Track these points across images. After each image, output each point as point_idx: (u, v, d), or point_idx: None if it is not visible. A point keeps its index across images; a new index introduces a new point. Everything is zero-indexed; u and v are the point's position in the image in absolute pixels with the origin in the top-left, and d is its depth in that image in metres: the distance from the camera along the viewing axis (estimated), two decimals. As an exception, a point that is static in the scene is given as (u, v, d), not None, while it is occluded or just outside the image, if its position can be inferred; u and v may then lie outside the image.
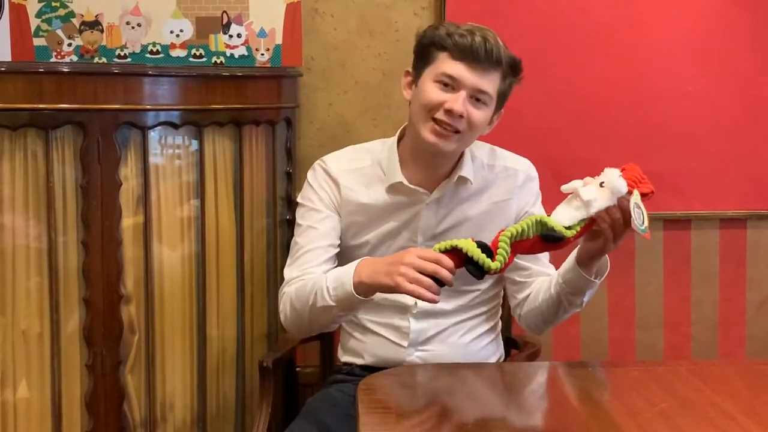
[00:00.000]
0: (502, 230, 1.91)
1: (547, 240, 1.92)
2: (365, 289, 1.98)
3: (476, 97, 2.09)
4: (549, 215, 1.95)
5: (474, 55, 2.07)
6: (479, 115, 2.10)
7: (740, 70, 2.88)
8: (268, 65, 2.70)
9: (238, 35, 2.69)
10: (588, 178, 1.94)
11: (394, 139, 2.24)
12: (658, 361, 2.88)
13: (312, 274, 2.14)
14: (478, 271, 1.88)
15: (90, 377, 2.32)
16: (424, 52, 2.13)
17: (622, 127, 2.87)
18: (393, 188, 2.20)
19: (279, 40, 2.70)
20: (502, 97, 2.16)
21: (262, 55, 2.70)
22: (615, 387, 1.92)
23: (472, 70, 2.08)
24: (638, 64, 2.86)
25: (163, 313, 2.40)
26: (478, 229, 2.20)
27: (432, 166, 2.19)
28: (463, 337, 2.25)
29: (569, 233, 1.92)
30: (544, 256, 2.23)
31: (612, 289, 2.93)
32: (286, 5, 2.70)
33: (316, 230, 2.21)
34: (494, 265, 1.86)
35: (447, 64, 2.08)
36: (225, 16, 2.68)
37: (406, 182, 2.18)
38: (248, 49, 2.69)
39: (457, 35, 2.08)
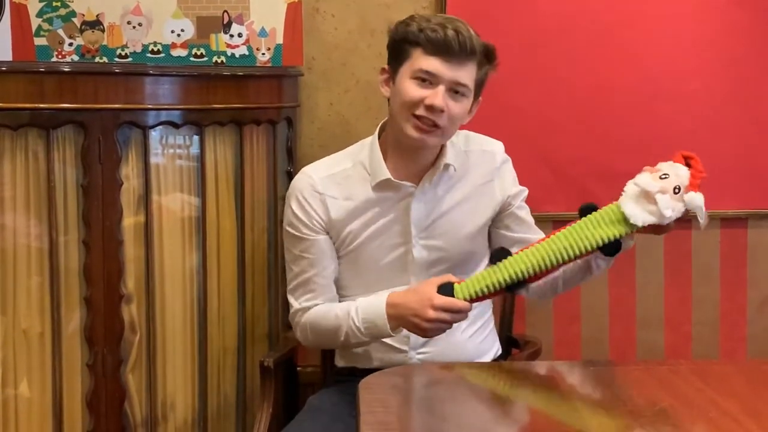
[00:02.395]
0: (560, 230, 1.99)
1: (610, 252, 1.99)
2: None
3: (454, 89, 2.11)
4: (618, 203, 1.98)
5: (448, 49, 2.07)
6: (458, 107, 2.12)
7: (741, 69, 2.87)
8: (269, 65, 2.70)
9: (239, 35, 2.69)
10: (659, 181, 1.95)
11: (374, 136, 2.25)
12: (659, 360, 2.88)
13: (318, 302, 2.22)
14: (518, 288, 2.03)
15: (91, 377, 2.32)
16: (398, 48, 2.14)
17: (623, 126, 2.87)
18: (380, 185, 2.20)
19: (280, 40, 2.70)
20: (480, 85, 2.17)
21: (263, 54, 2.70)
22: (616, 386, 1.91)
23: (447, 63, 2.08)
24: (639, 63, 2.85)
25: (164, 313, 2.40)
26: (465, 214, 2.24)
27: (416, 158, 2.20)
28: (462, 334, 2.25)
29: (631, 242, 2.00)
30: (531, 222, 2.31)
31: (613, 289, 2.93)
32: (286, 5, 2.70)
33: (308, 259, 2.23)
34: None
35: (422, 60, 2.09)
36: (226, 15, 2.68)
37: (392, 178, 2.19)
38: (249, 48, 2.69)
39: (429, 30, 2.08)
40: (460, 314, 2.03)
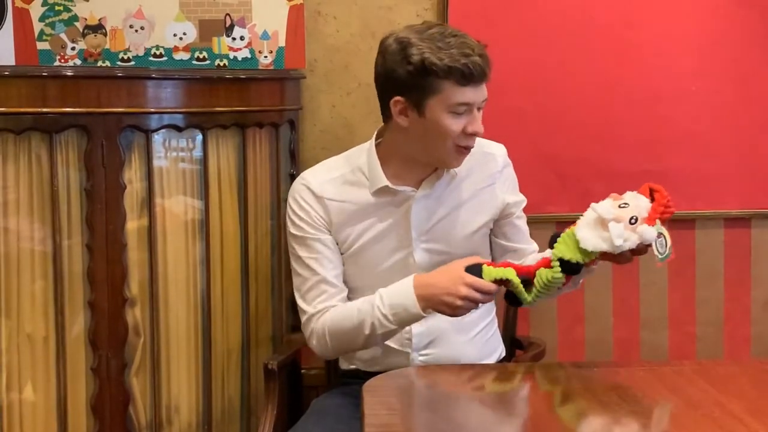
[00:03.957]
0: (545, 261, 1.99)
1: (566, 270, 1.97)
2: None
3: (479, 107, 2.12)
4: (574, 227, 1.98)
5: (478, 76, 2.08)
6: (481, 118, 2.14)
7: (744, 69, 2.87)
8: (272, 67, 2.70)
9: (241, 38, 2.69)
10: (616, 209, 1.94)
11: (371, 142, 2.24)
12: (663, 361, 2.87)
13: (332, 303, 2.18)
14: (514, 302, 2.05)
15: (95, 380, 2.32)
16: (420, 81, 2.07)
17: (625, 127, 2.87)
18: (379, 192, 2.20)
19: (282, 43, 2.70)
20: None
21: (266, 57, 2.70)
22: (620, 387, 1.91)
23: (477, 88, 2.09)
24: (641, 63, 2.85)
25: (168, 316, 2.40)
26: (466, 216, 2.24)
27: (419, 165, 2.20)
28: (464, 336, 2.25)
29: (586, 260, 1.97)
30: (526, 232, 2.33)
31: (617, 290, 2.92)
32: (289, 7, 2.70)
33: (316, 259, 2.21)
34: (529, 299, 2.01)
35: (457, 93, 2.07)
36: (228, 18, 2.69)
37: (391, 185, 2.19)
38: (251, 51, 2.70)
39: (459, 63, 2.05)
40: (489, 295, 2.04)
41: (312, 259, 2.21)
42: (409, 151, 2.18)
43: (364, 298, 2.16)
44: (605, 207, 1.95)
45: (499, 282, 2.03)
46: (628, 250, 1.93)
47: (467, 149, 2.14)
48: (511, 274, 2.01)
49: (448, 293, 2.03)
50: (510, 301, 2.08)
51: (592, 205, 1.97)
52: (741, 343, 2.96)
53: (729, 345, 2.96)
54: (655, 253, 1.93)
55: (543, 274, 1.98)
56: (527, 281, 2.02)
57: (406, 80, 2.08)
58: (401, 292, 2.09)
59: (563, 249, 1.96)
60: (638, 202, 1.95)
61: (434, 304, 2.07)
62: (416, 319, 2.11)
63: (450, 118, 2.09)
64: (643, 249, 1.94)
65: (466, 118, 2.10)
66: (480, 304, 2.06)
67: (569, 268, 1.96)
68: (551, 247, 2.00)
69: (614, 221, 1.92)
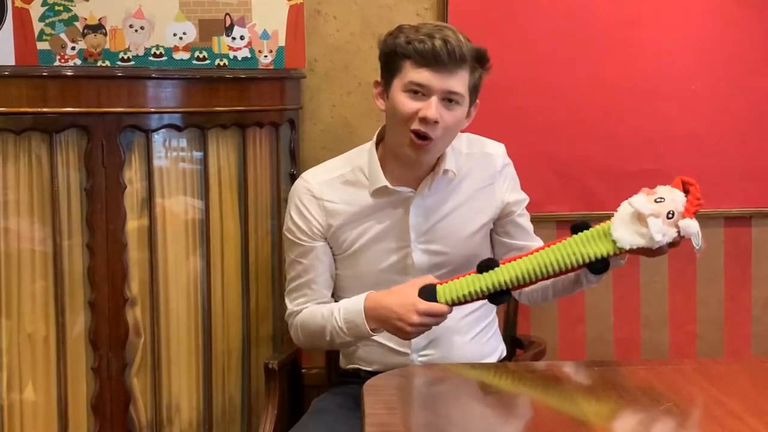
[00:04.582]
0: (541, 248, 2.01)
1: (597, 270, 1.99)
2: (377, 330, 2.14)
3: (448, 98, 2.10)
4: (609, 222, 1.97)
5: (437, 59, 2.06)
6: (452, 116, 2.11)
7: (744, 67, 2.87)
8: (271, 67, 2.70)
9: (241, 37, 2.69)
10: (653, 204, 1.93)
11: (372, 142, 2.24)
12: (663, 360, 2.87)
13: (308, 306, 2.24)
14: (501, 297, 2.04)
15: (96, 380, 2.32)
16: (388, 61, 2.14)
17: (625, 126, 2.87)
18: (378, 192, 2.20)
19: (282, 42, 2.70)
20: (475, 89, 2.16)
21: (265, 57, 2.70)
22: (620, 387, 1.91)
23: (438, 74, 2.07)
24: (641, 62, 2.85)
25: (169, 316, 2.40)
26: (466, 217, 2.23)
27: (415, 165, 2.20)
28: (464, 336, 2.25)
29: (622, 261, 1.99)
30: (530, 229, 2.32)
31: (617, 289, 2.92)
32: (288, 7, 2.70)
33: (304, 265, 2.24)
34: (507, 279, 2.00)
35: (412, 73, 2.08)
36: (228, 18, 2.69)
37: (390, 186, 2.19)
38: (251, 51, 2.70)
39: (416, 42, 2.07)
40: (442, 318, 2.04)
41: (300, 263, 2.25)
42: (388, 142, 2.19)
43: (331, 304, 2.21)
44: (642, 202, 1.94)
45: (457, 303, 2.02)
46: (666, 243, 1.93)
47: (422, 138, 2.10)
48: (467, 287, 2.00)
49: (399, 319, 2.04)
50: (493, 300, 2.06)
51: (629, 200, 1.96)
52: (741, 341, 2.96)
53: (729, 344, 2.96)
54: (695, 245, 1.93)
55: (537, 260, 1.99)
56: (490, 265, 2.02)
57: (381, 62, 2.17)
58: (354, 309, 2.12)
59: (597, 246, 1.95)
60: (674, 196, 1.95)
61: (385, 326, 2.09)
62: (367, 336, 2.13)
63: (404, 97, 2.10)
64: (677, 242, 1.95)
65: (422, 102, 2.08)
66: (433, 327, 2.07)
67: (601, 267, 1.96)
68: (575, 234, 1.99)
69: (653, 216, 1.92)
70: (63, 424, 2.32)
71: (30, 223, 2.29)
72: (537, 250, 2.03)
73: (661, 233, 1.92)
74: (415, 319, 2.02)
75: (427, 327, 2.05)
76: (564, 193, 2.87)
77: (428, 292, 2.03)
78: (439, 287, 2.04)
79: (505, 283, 2.00)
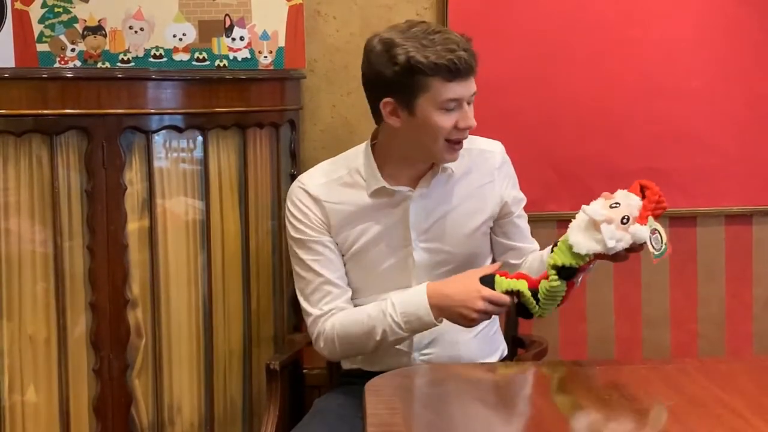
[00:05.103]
0: (546, 273, 2.01)
1: (562, 275, 1.99)
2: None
3: (469, 101, 2.12)
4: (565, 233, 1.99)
5: (465, 71, 2.07)
6: (473, 112, 2.14)
7: (744, 65, 2.87)
8: (271, 68, 2.70)
9: (241, 38, 2.69)
10: (607, 209, 1.94)
11: (367, 143, 2.24)
12: (665, 359, 2.87)
13: (338, 305, 2.19)
14: (525, 314, 2.06)
15: (97, 382, 2.32)
16: (406, 80, 2.07)
17: (626, 124, 2.87)
18: (376, 193, 2.20)
19: (282, 43, 2.70)
20: None
21: (265, 57, 2.70)
22: (622, 385, 1.91)
23: (464, 82, 2.09)
24: (642, 60, 2.85)
25: (170, 317, 2.40)
26: (466, 215, 2.23)
27: (414, 164, 2.20)
28: (465, 335, 2.25)
29: (581, 263, 1.97)
30: (527, 230, 2.33)
31: (618, 287, 2.92)
32: (288, 7, 2.70)
33: (318, 261, 2.21)
34: (537, 311, 2.02)
35: (446, 90, 2.07)
36: (227, 19, 2.69)
37: (388, 186, 2.19)
38: (251, 51, 2.70)
39: (445, 59, 2.05)
40: (503, 307, 2.07)
41: (314, 261, 2.21)
42: (402, 150, 2.18)
43: (374, 303, 2.16)
44: (595, 209, 1.95)
45: (510, 293, 2.05)
46: (623, 249, 1.93)
47: (460, 143, 2.14)
48: (522, 286, 2.03)
49: (464, 306, 2.05)
50: (521, 314, 2.09)
51: (583, 207, 1.97)
52: (743, 340, 2.96)
53: (731, 342, 2.96)
54: (651, 250, 1.93)
55: (543, 286, 2.01)
56: (535, 292, 2.03)
57: (394, 81, 2.08)
58: (414, 301, 2.10)
59: (557, 256, 1.98)
60: (629, 201, 1.95)
61: (449, 314, 2.09)
62: (429, 327, 2.12)
63: (440, 115, 2.09)
64: (638, 247, 1.95)
65: (457, 113, 2.10)
66: (493, 315, 2.09)
67: (566, 274, 1.97)
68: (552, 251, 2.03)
69: (606, 222, 1.92)
70: (65, 425, 2.32)
71: (31, 225, 2.29)
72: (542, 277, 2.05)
73: (614, 239, 1.91)
74: (480, 305, 2.04)
75: (488, 316, 2.08)
76: (564, 191, 2.87)
77: (488, 280, 2.06)
78: (497, 277, 2.07)
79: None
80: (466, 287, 2.06)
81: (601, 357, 2.90)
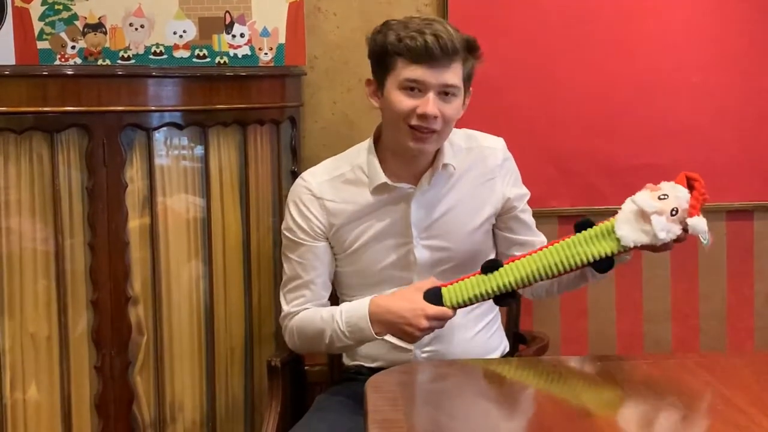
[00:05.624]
0: (546, 246, 2.01)
1: (602, 269, 1.99)
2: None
3: (444, 92, 2.10)
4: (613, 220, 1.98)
5: (430, 55, 2.06)
6: (451, 108, 2.12)
7: (745, 61, 2.87)
8: (272, 64, 2.70)
9: (241, 35, 2.69)
10: (656, 200, 1.94)
11: (370, 140, 2.24)
12: (666, 354, 2.87)
13: (306, 307, 2.22)
14: (502, 302, 2.07)
15: (99, 379, 2.32)
16: (380, 59, 2.13)
17: (627, 120, 2.87)
18: (378, 189, 2.20)
19: (282, 40, 2.70)
20: (468, 78, 2.16)
21: (266, 54, 2.70)
22: (624, 381, 1.91)
23: (432, 69, 2.07)
24: (642, 55, 2.85)
25: (171, 314, 2.40)
26: (467, 212, 2.23)
27: (414, 160, 2.20)
28: (467, 332, 2.25)
29: (628, 257, 2.00)
30: (533, 224, 2.32)
31: (619, 283, 2.92)
32: (288, 4, 2.69)
33: (303, 265, 2.24)
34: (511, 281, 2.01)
35: (407, 70, 2.08)
36: (228, 16, 2.68)
37: (390, 182, 2.19)
38: (251, 48, 2.69)
39: (407, 39, 2.07)
40: (446, 321, 2.07)
41: (299, 263, 2.24)
42: (387, 140, 2.18)
43: (330, 307, 2.20)
44: (646, 200, 1.95)
45: (462, 306, 2.04)
46: (670, 240, 1.94)
47: (422, 132, 2.10)
48: (473, 290, 2.01)
49: (408, 324, 2.05)
50: (498, 302, 2.08)
51: (632, 198, 1.97)
52: (744, 335, 2.96)
53: (732, 337, 2.96)
54: (702, 240, 1.94)
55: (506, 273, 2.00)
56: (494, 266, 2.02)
57: (372, 60, 2.17)
58: (357, 313, 2.12)
59: (599, 245, 1.96)
60: (677, 193, 1.96)
61: (392, 331, 2.09)
62: (371, 339, 2.13)
63: (399, 95, 2.10)
64: (682, 237, 1.95)
65: (420, 98, 2.08)
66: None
67: (602, 266, 1.97)
68: (578, 232, 2.00)
69: (656, 214, 1.92)
70: (66, 423, 2.32)
71: (32, 223, 2.29)
72: (540, 249, 2.03)
73: (665, 231, 1.92)
74: (424, 324, 2.03)
75: (432, 331, 2.08)
76: (565, 187, 2.87)
77: (434, 295, 2.04)
78: (444, 290, 2.05)
79: (510, 284, 2.01)
80: (410, 305, 2.05)
81: (603, 352, 2.90)
